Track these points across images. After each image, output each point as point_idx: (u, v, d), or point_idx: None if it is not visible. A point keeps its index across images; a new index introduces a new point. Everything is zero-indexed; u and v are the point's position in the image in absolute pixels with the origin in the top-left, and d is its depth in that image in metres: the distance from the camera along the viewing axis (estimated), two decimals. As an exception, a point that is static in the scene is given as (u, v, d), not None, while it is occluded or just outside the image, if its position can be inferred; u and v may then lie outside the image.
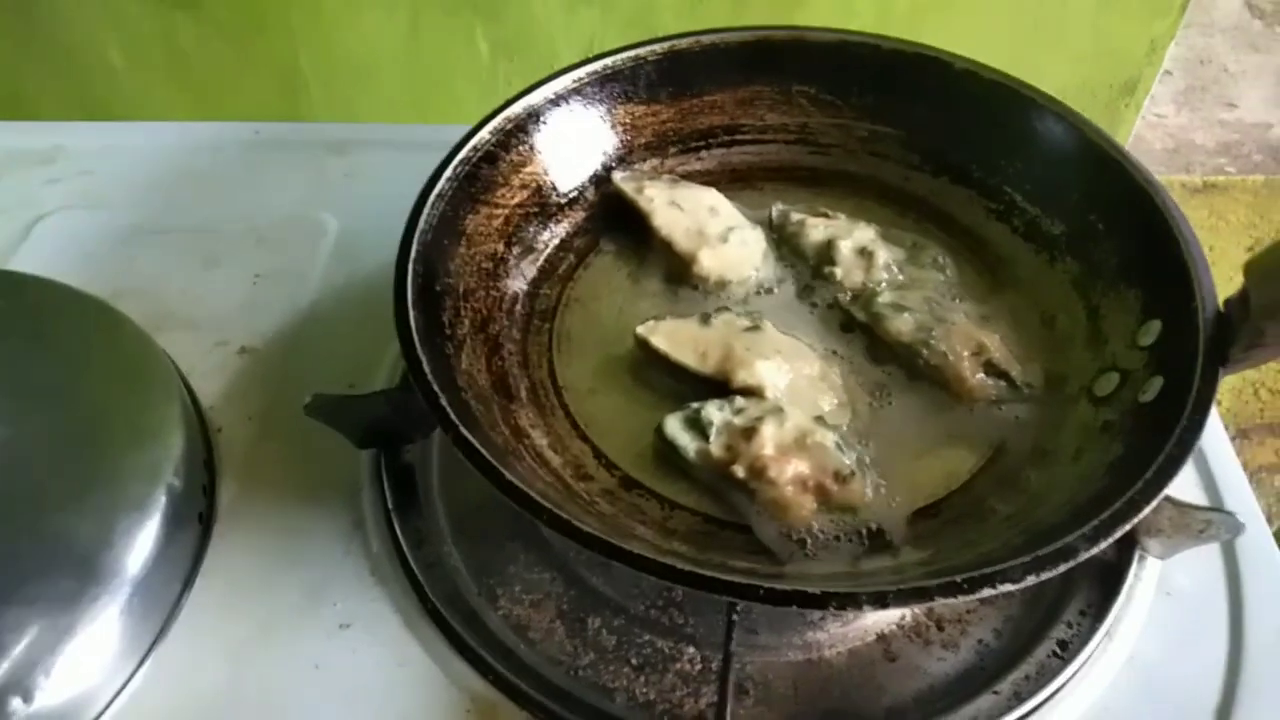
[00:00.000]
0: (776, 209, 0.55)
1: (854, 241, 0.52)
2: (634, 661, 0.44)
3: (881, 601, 0.33)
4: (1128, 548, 0.46)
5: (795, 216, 0.54)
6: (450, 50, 0.89)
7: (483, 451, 0.37)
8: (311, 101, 0.92)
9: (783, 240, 0.54)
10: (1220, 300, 0.41)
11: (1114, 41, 1.02)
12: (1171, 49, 1.26)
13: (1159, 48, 1.05)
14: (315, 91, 0.92)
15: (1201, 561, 0.46)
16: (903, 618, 0.46)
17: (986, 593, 0.33)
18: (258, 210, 0.63)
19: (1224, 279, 1.32)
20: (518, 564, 0.47)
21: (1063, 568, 0.34)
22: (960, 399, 0.46)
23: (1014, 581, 0.33)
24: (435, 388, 0.39)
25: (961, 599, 0.33)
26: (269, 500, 0.48)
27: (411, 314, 0.42)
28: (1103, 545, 0.34)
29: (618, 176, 0.54)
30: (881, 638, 0.45)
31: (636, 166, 0.56)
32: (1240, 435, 1.56)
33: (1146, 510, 0.35)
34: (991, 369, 0.47)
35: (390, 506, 0.47)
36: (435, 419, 0.38)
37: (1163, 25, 1.03)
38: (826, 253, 0.52)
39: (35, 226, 0.62)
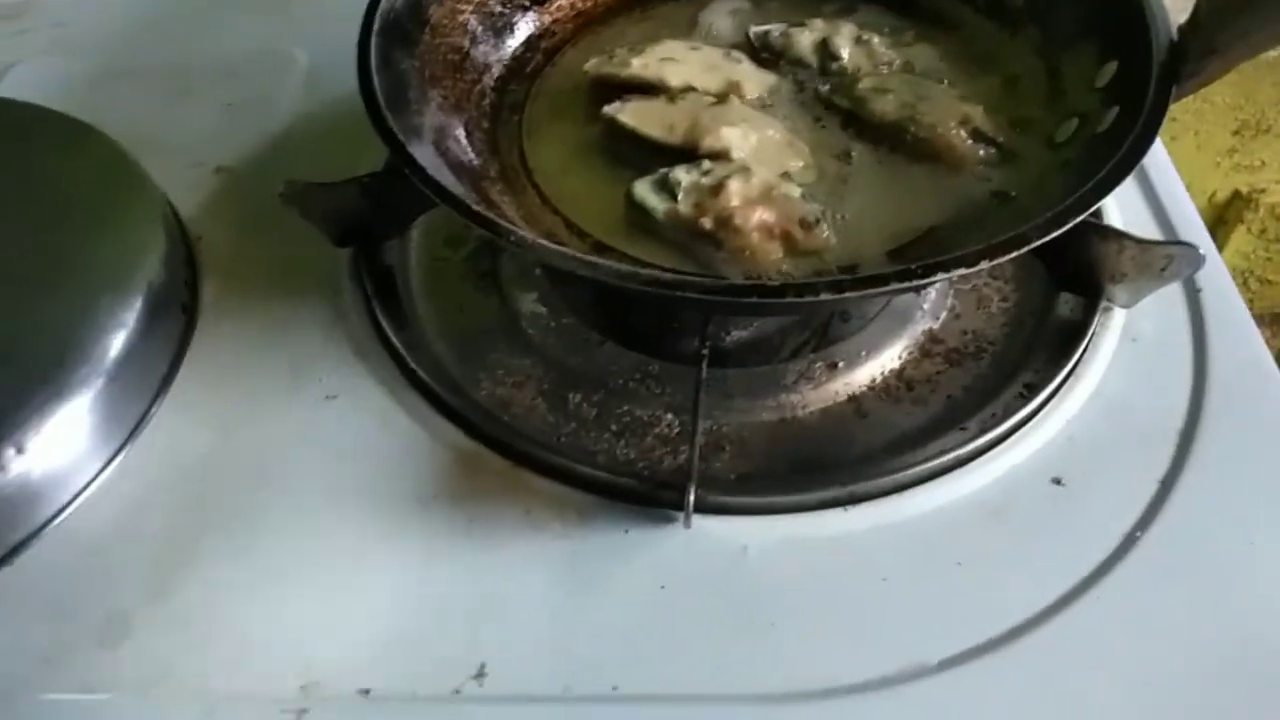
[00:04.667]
0: (752, 31, 0.54)
1: (845, 35, 0.51)
2: (614, 428, 0.45)
3: (838, 288, 0.34)
4: (1093, 300, 0.47)
5: (774, 31, 0.53)
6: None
7: (448, 188, 0.38)
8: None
9: (772, 55, 0.53)
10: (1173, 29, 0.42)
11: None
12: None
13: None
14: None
15: (1166, 310, 0.47)
16: (873, 381, 0.47)
17: (940, 277, 0.34)
18: (227, 48, 0.63)
19: (1210, 164, 1.30)
20: (498, 352, 0.49)
21: (1014, 254, 0.35)
22: (952, 166, 0.46)
23: (967, 265, 0.34)
24: (398, 133, 0.40)
25: (912, 284, 0.34)
26: (250, 296, 0.49)
27: (376, 78, 0.42)
28: (1053, 234, 0.35)
29: (589, 66, 0.51)
30: (853, 399, 0.46)
31: None
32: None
33: (1098, 202, 0.36)
34: (979, 135, 0.47)
35: (370, 294, 0.48)
36: (403, 163, 0.39)
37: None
38: (826, 50, 0.51)
39: (9, 72, 0.63)
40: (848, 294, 0.34)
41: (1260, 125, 1.25)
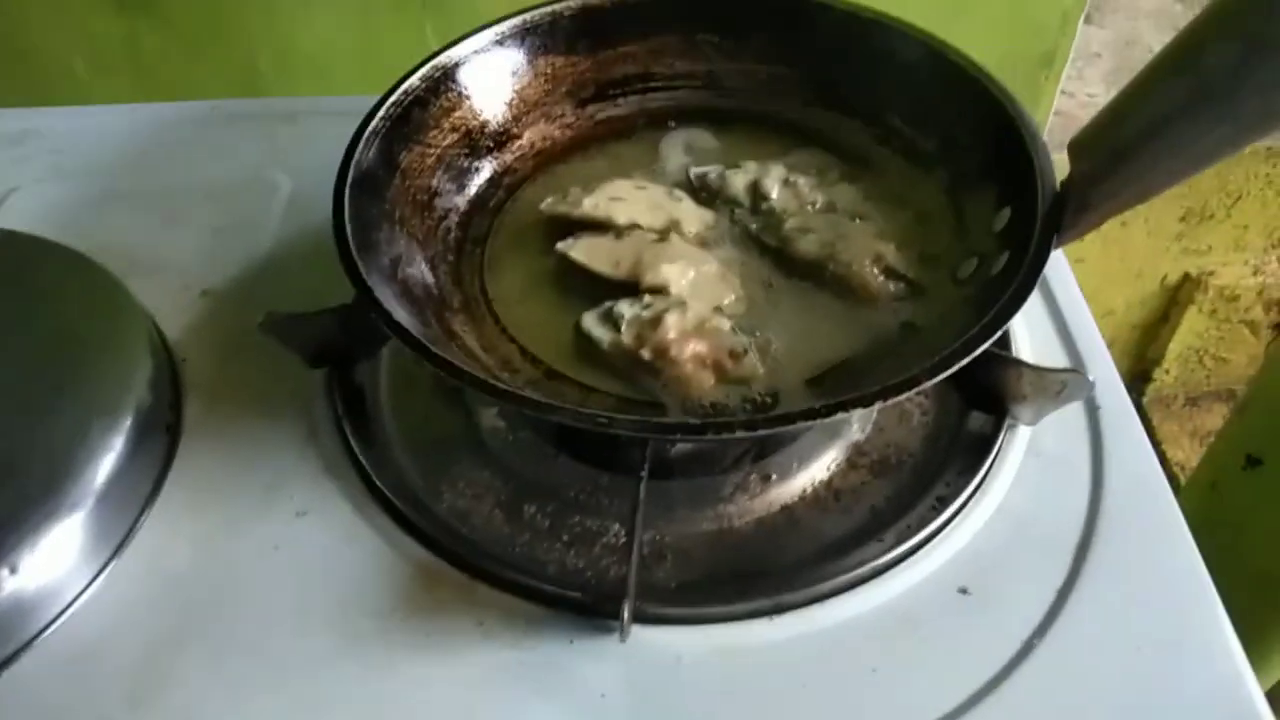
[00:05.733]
0: (693, 173, 0.60)
1: (774, 177, 0.57)
2: (565, 538, 0.49)
3: (751, 427, 0.39)
4: (999, 418, 0.51)
5: (711, 173, 0.59)
6: (400, 45, 0.95)
7: (413, 334, 0.43)
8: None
9: (709, 194, 0.58)
10: (1058, 184, 0.47)
11: (1028, 14, 1.08)
12: (1099, 33, 1.34)
13: (1071, 20, 1.12)
14: (273, 90, 0.98)
15: (1068, 428, 0.52)
16: (804, 492, 0.51)
17: (840, 416, 0.39)
18: (215, 173, 0.68)
19: (1160, 249, 1.38)
20: (460, 465, 0.52)
21: (905, 394, 0.39)
22: (866, 300, 0.51)
23: (864, 405, 0.39)
24: (368, 281, 0.44)
25: (817, 421, 0.38)
26: (230, 415, 0.53)
27: (349, 229, 0.47)
28: (941, 376, 0.40)
29: (544, 206, 0.56)
30: (785, 508, 0.50)
31: (559, 114, 0.62)
32: (1190, 403, 1.63)
33: (982, 347, 0.40)
34: (890, 273, 0.52)
35: (340, 414, 0.52)
36: (374, 312, 0.44)
37: (1072, -1, 1.09)
38: (757, 191, 0.57)
39: (7, 198, 0.67)
40: (760, 432, 0.39)
41: (1204, 212, 1.33)
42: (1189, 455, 1.56)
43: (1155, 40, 1.35)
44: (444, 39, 0.93)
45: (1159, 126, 0.40)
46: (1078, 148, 0.45)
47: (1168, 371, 1.57)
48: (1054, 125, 1.18)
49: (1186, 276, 1.43)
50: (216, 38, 0.92)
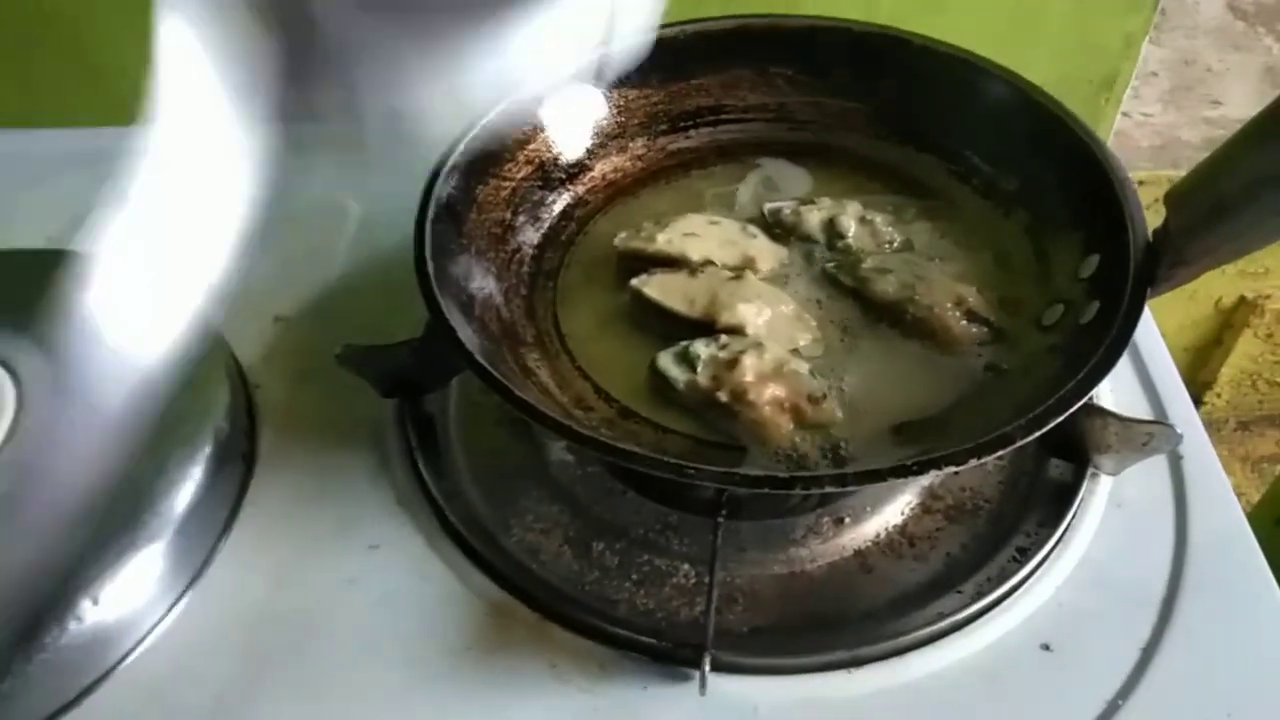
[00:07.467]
0: (767, 208, 0.59)
1: (850, 215, 0.56)
2: (634, 577, 0.49)
3: (841, 482, 0.38)
4: (1081, 467, 0.50)
5: (786, 209, 0.58)
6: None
7: (494, 373, 0.43)
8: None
9: (784, 230, 0.58)
10: (1149, 233, 0.46)
11: (1091, 37, 1.06)
12: (1157, 51, 1.32)
13: (1134, 42, 1.10)
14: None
15: (1150, 477, 0.51)
16: (878, 536, 0.50)
17: (932, 473, 0.38)
18: (286, 196, 0.68)
19: (1216, 271, 1.36)
20: (529, 498, 0.52)
21: (1000, 452, 0.38)
22: (947, 345, 0.50)
23: (956, 463, 0.38)
24: (452, 324, 0.44)
25: (909, 479, 0.38)
26: (303, 444, 0.54)
27: (430, 265, 0.47)
28: (1035, 435, 0.39)
29: (618, 241, 0.56)
30: (858, 553, 0.50)
31: (631, 146, 0.62)
32: (1241, 427, 1.60)
33: (1077, 404, 0.40)
34: (973, 316, 0.51)
35: (413, 445, 0.53)
36: (453, 350, 0.44)
37: (1137, 21, 1.07)
38: (833, 229, 0.56)
39: (86, 218, 0.68)
40: (849, 487, 0.38)
41: (1263, 235, 1.30)
42: (1240, 481, 1.53)
43: (1214, 59, 1.33)
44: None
45: (1262, 186, 0.39)
46: (1176, 200, 0.44)
47: (1219, 395, 1.53)
48: (1111, 145, 1.15)
49: (1242, 299, 1.40)
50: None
